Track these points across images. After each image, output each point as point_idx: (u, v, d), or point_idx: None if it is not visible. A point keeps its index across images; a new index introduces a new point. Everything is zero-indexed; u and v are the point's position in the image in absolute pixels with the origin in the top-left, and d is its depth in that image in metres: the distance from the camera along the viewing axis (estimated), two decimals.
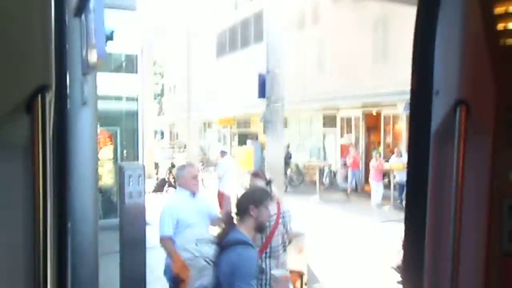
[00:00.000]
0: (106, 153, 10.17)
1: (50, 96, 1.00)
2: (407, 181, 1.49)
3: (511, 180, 1.27)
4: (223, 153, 12.17)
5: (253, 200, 3.00)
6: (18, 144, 0.99)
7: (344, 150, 17.62)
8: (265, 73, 11.45)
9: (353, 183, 16.14)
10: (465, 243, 1.23)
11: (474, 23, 1.30)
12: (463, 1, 1.32)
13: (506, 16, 1.30)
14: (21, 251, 1.00)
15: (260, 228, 3.04)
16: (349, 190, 15.97)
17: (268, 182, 3.93)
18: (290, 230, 3.97)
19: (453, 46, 1.34)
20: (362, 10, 14.39)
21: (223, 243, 2.91)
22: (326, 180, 17.68)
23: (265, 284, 3.49)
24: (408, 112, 1.64)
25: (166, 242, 4.20)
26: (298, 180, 18.28)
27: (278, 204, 3.83)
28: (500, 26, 1.30)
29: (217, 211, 4.86)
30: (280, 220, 3.78)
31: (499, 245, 1.26)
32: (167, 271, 4.27)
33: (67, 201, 1.10)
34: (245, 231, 2.94)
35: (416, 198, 1.43)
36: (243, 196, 3.17)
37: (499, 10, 1.30)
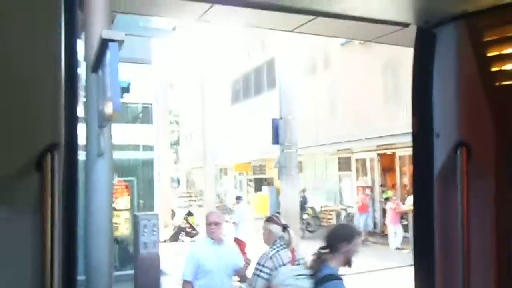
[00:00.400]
0: (123, 203, 10.22)
1: (60, 154, 1.01)
2: (414, 223, 1.49)
3: None
4: (238, 199, 12.11)
5: (344, 238, 3.14)
6: (28, 201, 0.99)
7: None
8: (279, 119, 11.57)
9: (367, 227, 15.69)
10: (474, 284, 1.22)
11: (469, 66, 1.32)
12: (457, 45, 1.35)
13: (499, 58, 1.32)
14: None
15: (349, 263, 3.18)
16: (363, 234, 15.57)
17: (285, 228, 3.88)
18: None
19: (451, 89, 1.36)
20: (371, 53, 14.60)
21: (317, 278, 3.08)
22: None
23: None
24: None
25: (186, 286, 4.33)
26: (316, 225, 17.97)
27: (293, 251, 3.79)
28: (495, 68, 1.32)
29: (241, 261, 4.69)
30: None
31: (508, 284, 1.25)
32: None
33: (76, 256, 1.11)
34: (335, 266, 3.11)
35: (423, 240, 1.43)
36: (333, 233, 3.27)
37: (492, 53, 1.32)
